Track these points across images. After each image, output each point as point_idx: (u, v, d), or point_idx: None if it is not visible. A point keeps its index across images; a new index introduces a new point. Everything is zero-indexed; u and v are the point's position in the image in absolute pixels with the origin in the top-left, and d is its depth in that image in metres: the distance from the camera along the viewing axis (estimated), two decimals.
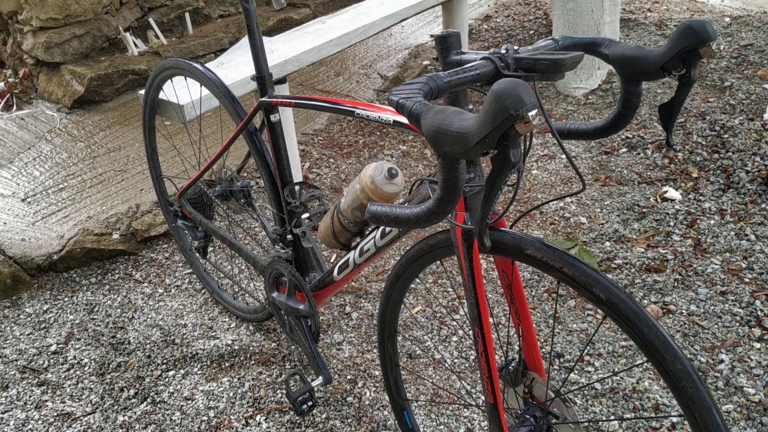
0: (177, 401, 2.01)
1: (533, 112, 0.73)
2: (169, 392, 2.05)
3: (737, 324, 2.07)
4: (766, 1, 4.59)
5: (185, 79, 2.26)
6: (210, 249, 2.67)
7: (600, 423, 1.80)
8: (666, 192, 2.67)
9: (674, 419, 1.79)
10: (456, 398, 1.92)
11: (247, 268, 2.55)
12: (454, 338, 2.13)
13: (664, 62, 0.99)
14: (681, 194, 2.66)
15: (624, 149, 3.03)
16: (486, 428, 1.83)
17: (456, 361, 2.05)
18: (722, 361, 1.94)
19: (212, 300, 2.41)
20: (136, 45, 4.29)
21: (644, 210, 2.60)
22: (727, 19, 4.13)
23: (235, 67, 2.56)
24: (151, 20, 4.35)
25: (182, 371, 2.12)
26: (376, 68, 4.23)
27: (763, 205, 2.53)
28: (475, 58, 1.07)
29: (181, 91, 2.28)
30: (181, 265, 2.62)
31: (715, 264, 2.30)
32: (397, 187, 1.37)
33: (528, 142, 1.05)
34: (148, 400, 2.03)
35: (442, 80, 0.95)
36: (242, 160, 1.99)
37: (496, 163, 0.81)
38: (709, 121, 3.03)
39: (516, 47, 1.02)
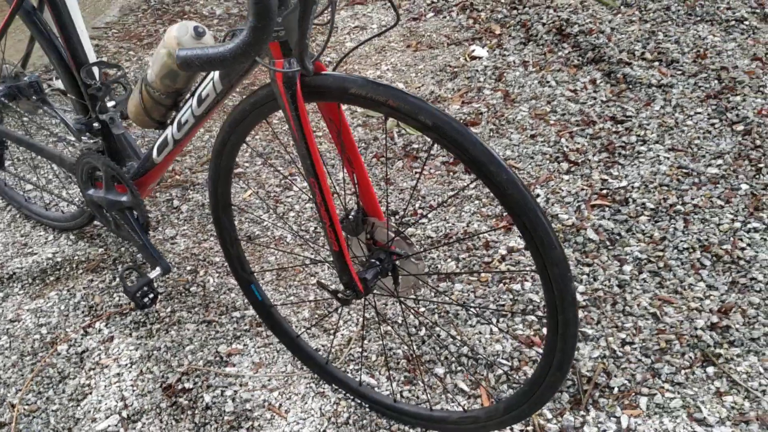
0: (1, 325, 1.84)
1: None
2: None
3: (547, 161, 2.25)
4: None
5: None
6: (8, 163, 2.38)
7: (436, 253, 1.91)
8: (473, 51, 2.78)
9: (503, 252, 1.95)
10: (301, 269, 1.94)
11: (56, 174, 2.32)
12: (291, 213, 2.12)
13: None
14: (487, 51, 2.78)
15: (431, 14, 3.09)
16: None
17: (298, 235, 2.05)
18: (538, 195, 2.12)
19: (21, 216, 2.18)
20: None
21: (456, 70, 2.70)
22: None
23: None
24: None
25: (1, 294, 1.93)
26: None
27: (560, 54, 2.72)
28: None
29: None
30: None
31: (524, 111, 2.47)
32: None
33: None
34: None
35: None
36: (25, 51, 1.75)
37: None
38: None
39: None
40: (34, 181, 2.26)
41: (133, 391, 1.66)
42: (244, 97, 1.43)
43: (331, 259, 1.30)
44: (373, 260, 1.35)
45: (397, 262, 1.34)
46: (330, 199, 1.21)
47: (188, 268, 1.95)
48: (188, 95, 1.36)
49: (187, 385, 1.65)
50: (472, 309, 1.78)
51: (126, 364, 1.72)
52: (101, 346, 1.78)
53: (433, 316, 1.78)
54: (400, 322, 1.77)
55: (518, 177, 1.05)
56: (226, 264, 1.96)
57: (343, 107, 1.28)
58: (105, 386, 1.68)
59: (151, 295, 1.62)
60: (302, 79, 1.14)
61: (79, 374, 1.72)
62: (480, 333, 1.73)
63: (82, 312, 1.86)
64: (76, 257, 2.01)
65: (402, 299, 1.48)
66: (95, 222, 2.00)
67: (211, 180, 1.44)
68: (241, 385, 1.65)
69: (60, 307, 1.88)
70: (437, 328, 1.74)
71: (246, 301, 1.85)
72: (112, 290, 1.91)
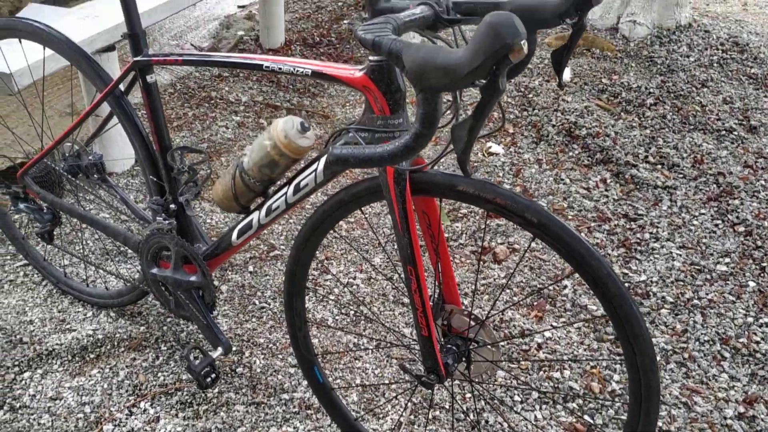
0: (42, 403, 1.81)
1: (524, 42, 0.81)
2: (29, 395, 1.83)
3: None
4: None
5: (20, 41, 1.97)
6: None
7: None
8: (490, 147, 2.95)
9: (539, 340, 2.03)
10: (345, 352, 1.98)
11: (89, 252, 2.33)
12: (331, 297, 2.18)
13: (562, 11, 1.13)
14: (503, 149, 2.96)
15: (447, 112, 3.27)
16: (380, 370, 1.92)
17: (337, 318, 2.10)
18: (566, 286, 2.23)
19: (58, 291, 2.18)
20: None
21: (476, 164, 2.85)
22: None
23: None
24: None
25: (40, 371, 1.91)
26: (188, 39, 4.04)
27: (570, 153, 2.91)
28: (406, 5, 1.13)
29: (10, 54, 1.98)
30: (9, 257, 2.32)
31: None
32: (310, 141, 1.38)
33: None
34: (5, 407, 1.80)
35: (400, 21, 1.00)
36: (95, 131, 1.83)
37: (486, 91, 0.87)
38: (514, 83, 3.39)
39: None
40: (94, 261, 2.23)
41: None
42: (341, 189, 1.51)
43: (418, 343, 1.36)
44: (449, 346, 1.42)
45: (474, 349, 1.41)
46: (425, 286, 1.29)
47: (233, 348, 1.98)
48: (280, 183, 1.45)
49: None
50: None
51: None
52: (147, 426, 1.76)
53: (480, 402, 1.83)
54: (457, 408, 1.81)
55: (615, 272, 1.15)
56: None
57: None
58: None
59: (213, 375, 1.64)
60: (410, 175, 1.24)
61: None
62: (526, 420, 1.78)
63: (126, 391, 1.85)
64: (118, 335, 2.01)
65: (475, 383, 1.54)
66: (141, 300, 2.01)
67: (290, 264, 1.50)
68: None
69: (103, 385, 1.87)
70: (485, 414, 1.79)
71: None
72: (156, 369, 1.91)
